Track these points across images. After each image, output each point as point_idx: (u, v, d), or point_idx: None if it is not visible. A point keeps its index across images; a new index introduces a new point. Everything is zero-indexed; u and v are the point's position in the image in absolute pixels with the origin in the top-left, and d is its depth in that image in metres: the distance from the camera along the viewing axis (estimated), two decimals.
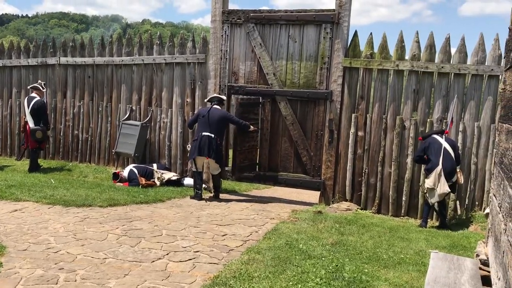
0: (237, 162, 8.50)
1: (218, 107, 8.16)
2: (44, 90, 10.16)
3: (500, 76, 7.20)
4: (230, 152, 9.74)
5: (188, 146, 8.72)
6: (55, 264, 4.43)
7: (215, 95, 8.45)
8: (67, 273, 4.21)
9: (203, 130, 7.99)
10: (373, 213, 7.96)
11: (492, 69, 7.33)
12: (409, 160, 7.83)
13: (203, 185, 8.45)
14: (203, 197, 8.14)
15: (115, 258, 4.67)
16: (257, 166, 8.85)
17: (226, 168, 8.89)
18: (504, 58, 4.10)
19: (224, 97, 8.44)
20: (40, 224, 5.73)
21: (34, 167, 9.86)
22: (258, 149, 8.83)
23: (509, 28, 3.30)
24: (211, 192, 8.55)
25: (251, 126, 8.31)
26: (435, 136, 7.11)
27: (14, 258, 4.51)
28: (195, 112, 8.70)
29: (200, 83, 9.20)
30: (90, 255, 4.73)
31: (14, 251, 4.72)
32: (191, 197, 8.09)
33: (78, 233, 5.46)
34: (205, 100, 8.63)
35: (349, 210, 7.78)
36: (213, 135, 7.94)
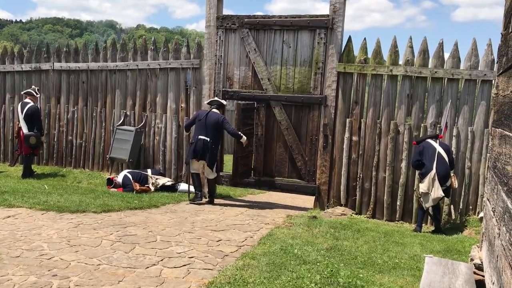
0: (238, 168, 8.51)
1: (216, 111, 8.16)
2: (38, 95, 10.12)
3: (493, 81, 7.24)
4: (224, 157, 9.75)
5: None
6: (49, 270, 4.39)
7: (216, 98, 8.44)
8: (60, 279, 4.18)
9: (199, 134, 8.00)
10: (367, 217, 7.97)
11: (485, 74, 7.38)
12: (403, 164, 7.85)
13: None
14: (202, 199, 8.22)
15: (109, 265, 4.64)
16: (252, 172, 8.85)
17: (221, 173, 8.89)
18: (497, 63, 4.12)
19: (225, 102, 8.43)
20: (34, 231, 5.69)
21: (28, 173, 9.80)
22: (253, 154, 8.83)
23: (501, 33, 3.32)
24: (206, 198, 8.53)
25: (243, 137, 8.05)
26: (429, 140, 7.14)
27: (7, 265, 4.48)
28: (193, 115, 8.67)
29: (195, 88, 9.19)
30: (84, 261, 4.70)
31: (7, 258, 4.68)
32: (191, 200, 8.16)
33: (71, 239, 5.42)
34: (205, 103, 8.62)
35: (344, 215, 7.79)
36: (208, 139, 7.96)
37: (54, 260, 4.70)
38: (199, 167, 8.29)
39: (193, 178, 8.32)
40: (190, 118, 8.65)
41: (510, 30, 2.78)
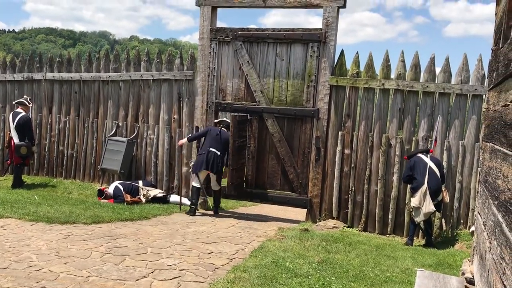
0: (233, 180, 8.50)
1: (225, 130, 8.34)
2: (30, 105, 10.07)
3: (484, 95, 7.32)
4: None
5: (191, 162, 8.74)
6: (37, 282, 4.33)
7: (224, 119, 8.71)
8: None
9: (211, 146, 8.11)
10: (359, 231, 7.96)
11: (476, 89, 7.46)
12: (395, 178, 7.87)
13: (199, 199, 8.56)
14: (196, 213, 8.28)
15: (99, 276, 4.59)
16: (244, 184, 8.83)
17: None
18: (487, 78, 4.17)
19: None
20: (22, 242, 5.62)
21: (18, 183, 9.72)
22: (246, 166, 8.83)
23: (492, 49, 3.37)
24: (198, 210, 8.53)
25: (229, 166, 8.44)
26: (420, 155, 7.16)
27: None
28: (203, 129, 8.60)
29: (188, 99, 9.20)
30: (73, 273, 4.64)
31: None
32: (186, 212, 8.20)
33: (61, 250, 5.36)
34: (215, 121, 8.67)
35: (336, 227, 7.77)
36: (219, 153, 8.11)
37: (42, 271, 4.63)
38: (202, 179, 8.33)
39: (192, 192, 8.38)
40: (200, 131, 8.58)
41: (500, 46, 2.81)
